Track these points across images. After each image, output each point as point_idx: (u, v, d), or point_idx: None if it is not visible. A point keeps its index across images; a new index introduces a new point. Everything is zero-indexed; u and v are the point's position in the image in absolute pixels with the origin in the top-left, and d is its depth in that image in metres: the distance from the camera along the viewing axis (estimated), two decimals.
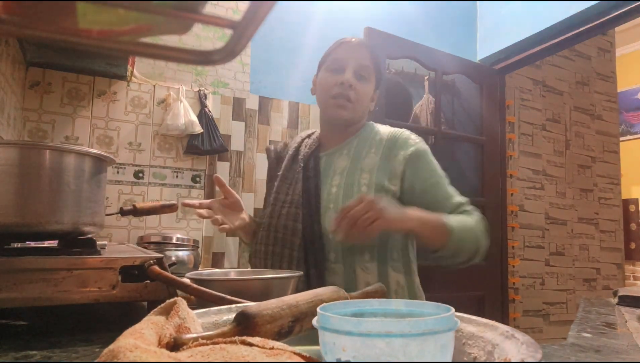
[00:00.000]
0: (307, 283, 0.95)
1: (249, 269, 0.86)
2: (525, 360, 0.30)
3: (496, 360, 0.37)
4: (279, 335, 0.40)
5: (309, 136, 1.19)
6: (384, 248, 1.00)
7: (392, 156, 1.02)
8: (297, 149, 1.15)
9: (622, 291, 1.01)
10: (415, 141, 1.05)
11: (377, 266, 0.98)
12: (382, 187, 0.99)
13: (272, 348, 0.32)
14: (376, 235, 0.83)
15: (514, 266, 2.87)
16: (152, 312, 0.39)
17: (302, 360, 0.31)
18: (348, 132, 1.10)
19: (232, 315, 0.46)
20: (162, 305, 0.40)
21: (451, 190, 1.03)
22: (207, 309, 0.46)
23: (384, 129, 1.09)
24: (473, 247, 0.93)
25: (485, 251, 0.96)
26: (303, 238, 0.99)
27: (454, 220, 0.91)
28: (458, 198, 1.02)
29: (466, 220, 0.94)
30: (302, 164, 1.09)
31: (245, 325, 0.37)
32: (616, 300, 1.00)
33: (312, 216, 1.00)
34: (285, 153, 1.19)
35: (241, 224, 1.09)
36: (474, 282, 2.58)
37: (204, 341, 0.33)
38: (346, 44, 1.06)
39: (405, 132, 1.07)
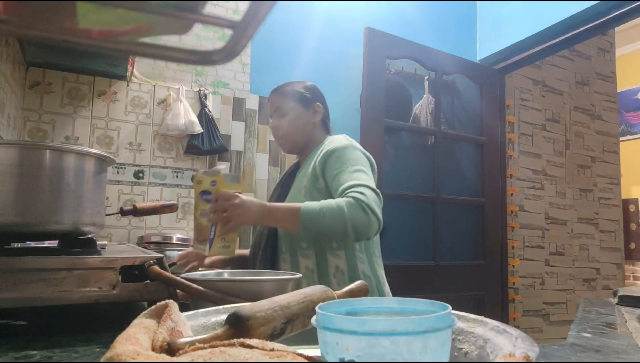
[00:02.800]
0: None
1: (243, 270, 0.87)
2: (528, 354, 0.30)
3: (490, 355, 0.37)
4: (272, 337, 0.39)
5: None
6: (319, 238, 1.14)
7: (317, 159, 1.18)
8: (286, 172, 1.41)
9: (622, 291, 1.01)
10: (337, 141, 1.18)
11: (315, 252, 1.15)
12: (313, 187, 1.16)
13: (273, 349, 0.31)
14: (237, 229, 1.02)
15: (514, 266, 2.87)
16: (142, 315, 0.38)
17: (305, 361, 0.31)
18: (307, 151, 1.30)
19: (221, 317, 0.46)
20: (153, 307, 0.39)
21: (346, 178, 1.09)
22: (195, 311, 0.46)
23: (328, 139, 1.25)
24: (339, 224, 1.00)
25: (368, 225, 1.02)
26: (266, 238, 1.21)
27: (313, 205, 1.02)
28: (347, 184, 1.08)
29: (328, 203, 1.02)
30: (281, 181, 1.37)
31: (238, 328, 0.37)
32: (616, 300, 1.00)
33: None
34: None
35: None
36: (474, 282, 2.58)
37: (201, 345, 0.32)
38: (269, 97, 1.31)
39: (334, 138, 1.23)
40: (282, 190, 1.32)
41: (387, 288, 1.21)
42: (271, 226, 1.20)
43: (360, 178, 1.08)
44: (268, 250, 1.20)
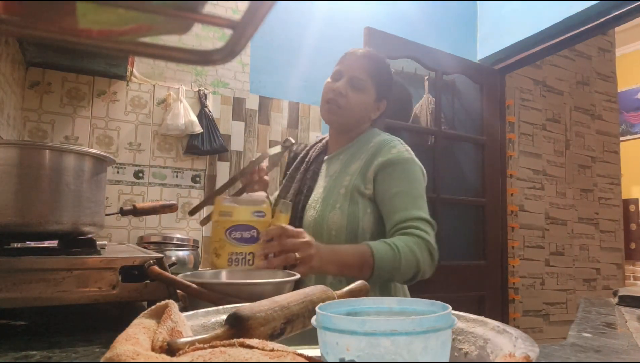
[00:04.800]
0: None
1: (240, 269, 0.84)
2: (528, 354, 0.30)
3: (490, 355, 0.37)
4: (271, 337, 0.39)
5: (321, 140, 1.26)
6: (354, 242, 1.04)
7: (371, 162, 1.05)
8: (307, 151, 1.24)
9: (622, 291, 1.01)
10: (397, 150, 1.06)
11: None
12: (357, 190, 1.03)
13: (273, 350, 0.31)
14: (305, 275, 0.82)
15: (514, 266, 2.87)
16: (141, 315, 0.38)
17: (306, 361, 0.31)
18: (347, 138, 1.15)
19: (221, 317, 0.46)
20: (152, 307, 0.39)
21: (407, 203, 0.99)
22: (194, 311, 0.46)
23: (380, 137, 1.12)
24: (410, 270, 0.92)
25: (431, 268, 0.96)
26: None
27: (385, 249, 0.90)
28: (409, 213, 0.98)
29: (401, 247, 0.91)
30: (305, 166, 1.18)
31: (238, 328, 0.37)
32: (616, 300, 1.00)
33: (296, 214, 1.07)
34: (303, 154, 1.27)
35: None
36: (474, 282, 2.58)
37: (201, 345, 0.32)
38: (349, 55, 1.13)
39: (393, 141, 1.10)
40: (304, 179, 1.14)
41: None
42: (295, 223, 1.04)
43: (423, 208, 1.00)
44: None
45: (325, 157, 1.18)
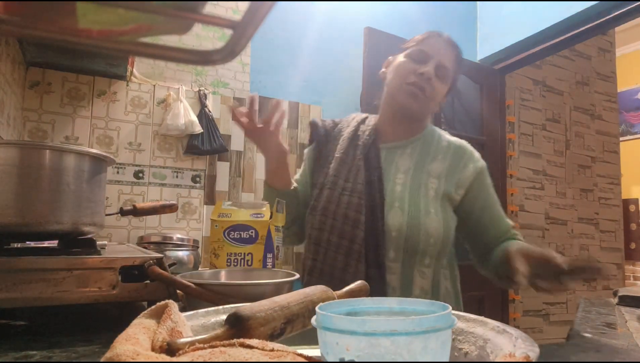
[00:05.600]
0: (365, 279, 0.92)
1: (238, 268, 0.85)
2: (528, 354, 0.30)
3: (490, 355, 0.37)
4: (271, 337, 0.39)
5: (363, 121, 1.11)
6: (443, 256, 0.99)
7: (461, 167, 1.00)
8: (355, 133, 1.07)
9: (622, 292, 1.01)
10: (478, 155, 1.07)
11: (433, 271, 0.96)
12: (449, 195, 0.97)
13: (273, 350, 0.31)
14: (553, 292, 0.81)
15: None
16: (141, 315, 0.38)
17: (306, 361, 0.31)
18: (411, 129, 1.05)
19: (221, 317, 0.46)
20: (152, 307, 0.39)
21: (502, 213, 1.04)
22: (194, 311, 0.46)
23: (447, 136, 1.08)
24: None
25: None
26: (365, 232, 0.93)
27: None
28: (508, 220, 1.04)
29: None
30: (363, 152, 1.01)
31: (238, 328, 0.37)
32: (616, 300, 1.00)
33: (374, 210, 0.94)
34: (336, 132, 1.11)
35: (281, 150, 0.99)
36: (474, 282, 2.57)
37: (201, 345, 0.32)
38: (436, 38, 1.04)
39: (468, 145, 1.08)
40: (370, 168, 0.99)
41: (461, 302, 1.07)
42: (378, 221, 0.93)
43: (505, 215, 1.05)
44: (371, 248, 0.92)
45: (381, 145, 1.04)
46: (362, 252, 0.91)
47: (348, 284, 0.54)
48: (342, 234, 0.93)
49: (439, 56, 1.00)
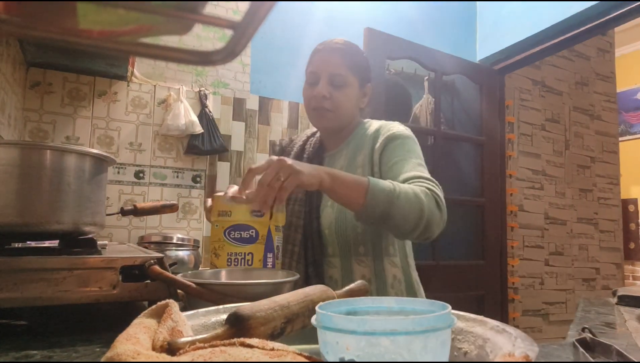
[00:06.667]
0: (305, 277, 0.99)
1: (238, 268, 0.85)
2: (528, 354, 0.30)
3: (490, 354, 0.37)
4: (272, 337, 0.39)
5: (313, 134, 1.20)
6: (378, 242, 1.00)
7: (374, 146, 1.03)
8: (302, 147, 1.17)
9: (622, 291, 1.01)
10: (397, 128, 1.03)
11: (373, 259, 1.00)
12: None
13: (273, 349, 0.32)
14: (289, 191, 0.77)
15: (513, 266, 2.87)
16: (142, 314, 0.38)
17: (306, 361, 0.31)
18: (343, 134, 1.11)
19: (221, 317, 0.46)
20: (153, 307, 0.39)
21: (410, 167, 0.95)
22: (195, 311, 0.46)
23: (375, 124, 1.09)
24: (414, 212, 0.84)
25: (439, 223, 0.88)
26: (303, 234, 1.02)
27: (381, 182, 0.84)
28: (410, 173, 0.93)
29: (402, 186, 0.86)
30: (306, 163, 1.07)
31: (238, 327, 0.37)
32: (615, 299, 1.01)
33: (311, 213, 1.03)
34: (290, 148, 1.21)
35: None
36: (474, 282, 2.58)
37: (202, 344, 0.32)
38: (318, 54, 1.08)
39: (390, 123, 1.07)
40: None
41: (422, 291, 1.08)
42: (313, 222, 1.00)
43: (426, 173, 0.95)
44: (311, 250, 1.00)
45: (325, 154, 1.13)
46: (302, 253, 1.01)
47: None
48: (287, 239, 1.04)
49: (326, 68, 1.04)
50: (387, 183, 0.84)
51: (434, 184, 0.91)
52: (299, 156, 1.14)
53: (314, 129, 1.21)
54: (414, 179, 0.91)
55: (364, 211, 0.83)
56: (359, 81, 1.08)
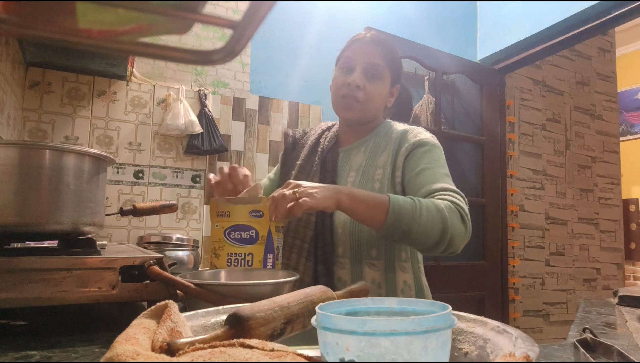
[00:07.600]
0: (314, 276, 0.97)
1: (238, 268, 0.84)
2: (528, 354, 0.30)
3: (490, 355, 0.37)
4: (272, 337, 0.39)
5: (329, 128, 1.17)
6: (392, 246, 0.98)
7: (398, 150, 1.01)
8: (317, 140, 1.14)
9: (622, 291, 1.01)
10: (423, 135, 1.02)
11: (384, 263, 0.97)
12: (390, 182, 0.98)
13: (272, 350, 0.31)
14: (300, 212, 0.76)
15: (514, 266, 2.87)
16: (141, 315, 0.38)
17: (305, 361, 0.31)
18: (364, 130, 1.09)
19: (221, 317, 0.46)
20: (152, 307, 0.39)
21: (434, 178, 0.93)
22: (194, 311, 0.46)
23: (400, 127, 1.07)
24: (437, 228, 0.82)
25: (463, 238, 0.87)
26: (315, 231, 0.99)
27: (402, 199, 0.83)
28: (436, 185, 0.91)
29: (424, 201, 0.84)
30: (320, 157, 1.08)
31: (238, 328, 0.37)
32: (616, 300, 1.00)
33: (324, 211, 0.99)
34: (303, 140, 1.18)
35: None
36: (474, 282, 2.58)
37: (201, 345, 0.32)
38: (357, 42, 1.05)
39: (417, 129, 1.05)
40: (324, 172, 1.05)
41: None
42: (326, 219, 0.98)
43: (452, 184, 0.93)
44: (322, 248, 0.97)
45: (340, 149, 1.10)
46: (312, 250, 0.98)
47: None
48: (295, 234, 1.01)
49: (364, 57, 1.02)
50: (408, 200, 0.83)
51: (459, 198, 0.89)
52: (313, 149, 1.12)
53: (330, 123, 1.19)
54: (439, 192, 0.90)
55: (385, 229, 0.82)
56: (392, 79, 1.06)
